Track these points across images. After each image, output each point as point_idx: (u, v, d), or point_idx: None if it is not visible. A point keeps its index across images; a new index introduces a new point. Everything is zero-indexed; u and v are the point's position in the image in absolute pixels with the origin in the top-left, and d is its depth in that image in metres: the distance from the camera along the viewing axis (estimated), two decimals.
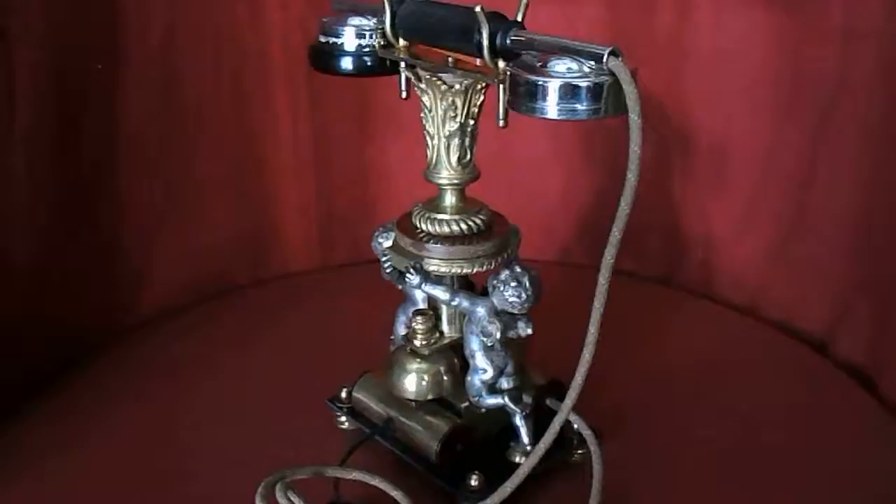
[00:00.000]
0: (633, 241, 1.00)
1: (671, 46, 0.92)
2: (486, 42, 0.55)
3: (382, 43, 0.64)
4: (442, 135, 0.64)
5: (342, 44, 0.65)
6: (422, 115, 0.65)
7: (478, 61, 0.59)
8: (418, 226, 0.66)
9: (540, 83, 0.51)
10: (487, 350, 0.64)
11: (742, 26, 0.88)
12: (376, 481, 0.63)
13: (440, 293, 0.65)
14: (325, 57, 0.66)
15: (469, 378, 0.65)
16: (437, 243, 0.64)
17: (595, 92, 0.51)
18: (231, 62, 0.94)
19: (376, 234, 0.69)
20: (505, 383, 0.66)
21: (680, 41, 0.91)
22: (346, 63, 0.65)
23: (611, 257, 0.54)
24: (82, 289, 0.87)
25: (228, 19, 0.92)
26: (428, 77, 0.62)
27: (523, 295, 0.62)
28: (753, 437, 0.73)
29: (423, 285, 0.64)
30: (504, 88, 0.56)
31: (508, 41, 0.55)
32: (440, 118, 0.63)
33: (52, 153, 0.82)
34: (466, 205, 0.66)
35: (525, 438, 0.66)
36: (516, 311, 0.63)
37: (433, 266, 0.64)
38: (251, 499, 0.62)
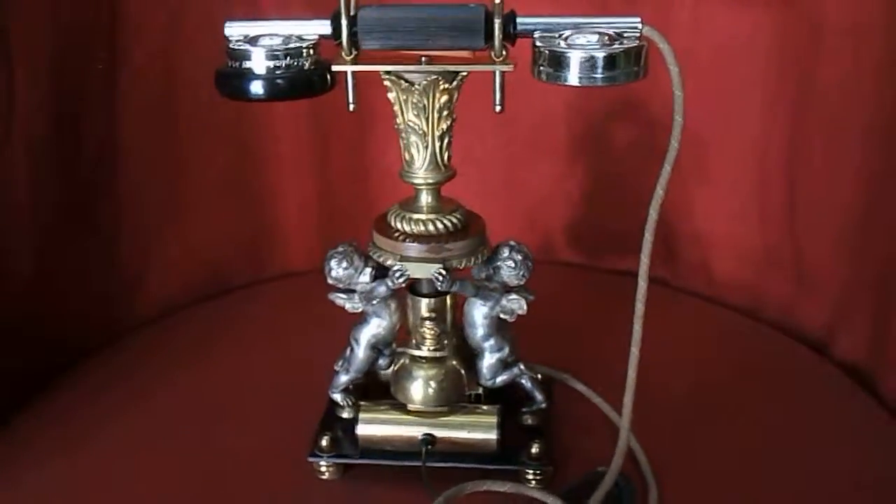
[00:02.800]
0: (633, 241, 1.01)
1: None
2: (499, 32, 0.58)
3: (318, 59, 0.60)
4: (436, 134, 0.64)
5: (280, 66, 0.59)
6: (401, 119, 0.64)
7: (465, 53, 0.61)
8: (395, 226, 0.66)
9: (598, 55, 0.56)
10: (499, 330, 0.68)
11: (734, 24, 0.88)
12: (507, 487, 0.65)
13: (468, 289, 0.66)
14: (235, 82, 0.60)
15: (483, 362, 0.69)
16: (412, 242, 0.65)
17: (636, 55, 0.58)
18: None
19: (334, 262, 0.66)
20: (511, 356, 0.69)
21: (666, 37, 0.91)
22: (262, 88, 0.59)
23: (647, 252, 0.61)
24: (82, 289, 0.87)
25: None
26: (431, 77, 0.62)
27: (529, 264, 0.66)
28: (753, 437, 0.73)
29: (452, 286, 0.65)
30: (502, 74, 0.61)
31: (519, 27, 0.59)
32: (435, 118, 0.64)
33: (52, 153, 0.82)
34: (442, 204, 0.67)
35: (539, 396, 0.71)
36: (522, 283, 0.67)
37: (409, 265, 0.65)
38: (248, 490, 0.62)
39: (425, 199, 0.67)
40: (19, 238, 0.80)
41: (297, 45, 0.59)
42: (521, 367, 0.70)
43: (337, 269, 0.67)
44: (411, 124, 0.64)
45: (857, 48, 0.80)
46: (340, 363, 0.71)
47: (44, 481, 0.69)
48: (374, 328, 0.68)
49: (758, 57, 0.87)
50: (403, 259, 0.65)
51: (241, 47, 0.59)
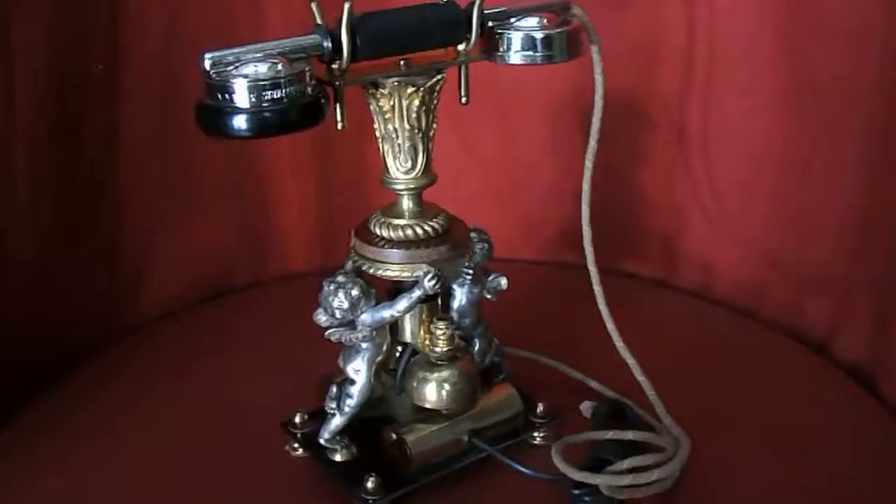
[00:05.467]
0: (633, 242, 1.01)
1: (658, 42, 0.92)
2: (477, 24, 0.61)
3: (314, 82, 0.56)
4: (430, 135, 0.64)
5: (284, 96, 0.53)
6: (398, 126, 0.63)
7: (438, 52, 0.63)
8: (376, 232, 0.65)
9: (552, 34, 0.63)
10: (482, 313, 0.70)
11: (734, 24, 0.88)
12: (631, 435, 0.67)
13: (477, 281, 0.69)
14: (223, 117, 0.53)
15: (476, 347, 0.71)
16: (393, 248, 0.64)
17: (578, 35, 0.65)
18: None
19: (342, 293, 0.62)
20: None
21: (664, 38, 0.91)
22: (268, 122, 0.53)
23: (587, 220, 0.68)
24: (83, 289, 0.87)
25: (228, 19, 0.92)
26: (436, 77, 0.62)
27: (492, 242, 0.70)
28: (752, 437, 0.72)
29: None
30: (468, 67, 0.65)
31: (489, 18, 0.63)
32: (430, 119, 0.63)
33: (52, 153, 0.82)
34: (424, 209, 0.66)
35: (506, 364, 0.75)
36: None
37: (391, 272, 0.64)
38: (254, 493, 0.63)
39: (407, 203, 0.66)
40: (20, 238, 0.80)
41: (298, 68, 0.54)
42: (497, 341, 0.73)
43: (346, 299, 0.62)
44: (412, 128, 0.63)
45: (857, 48, 0.80)
46: (333, 405, 0.66)
47: (44, 482, 0.69)
48: (373, 352, 0.65)
49: (758, 57, 0.87)
50: (437, 263, 0.64)
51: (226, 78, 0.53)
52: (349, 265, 0.66)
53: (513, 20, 0.63)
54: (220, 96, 0.53)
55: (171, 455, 0.72)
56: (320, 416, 0.68)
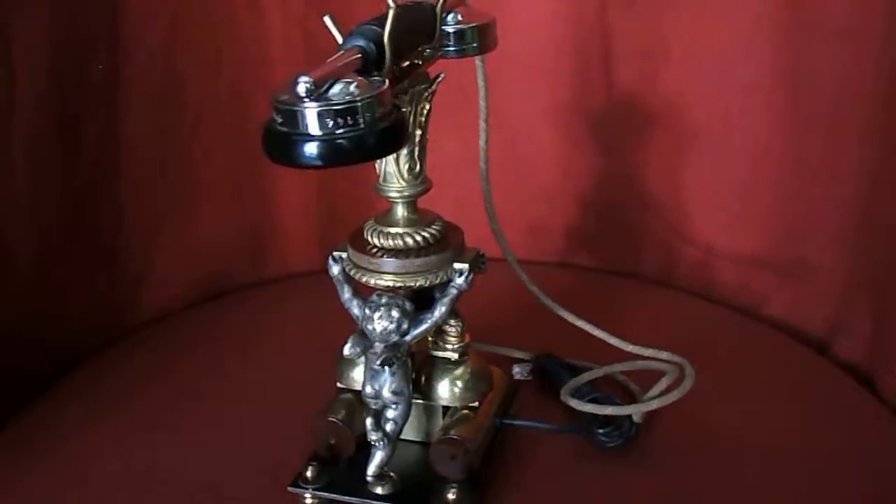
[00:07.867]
0: (634, 242, 1.01)
1: (659, 43, 0.92)
2: (440, 24, 0.62)
3: (391, 103, 0.52)
4: (427, 138, 0.64)
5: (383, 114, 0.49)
6: (409, 131, 0.62)
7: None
8: (370, 241, 0.64)
9: (465, 29, 0.65)
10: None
11: (734, 24, 0.88)
12: (639, 363, 0.74)
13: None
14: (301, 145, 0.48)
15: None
16: (388, 257, 0.62)
17: (489, 29, 0.66)
18: (231, 62, 0.94)
19: (396, 311, 0.61)
20: None
21: (666, 37, 0.92)
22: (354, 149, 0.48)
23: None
24: (83, 289, 0.87)
25: (228, 19, 0.92)
26: (441, 78, 0.62)
27: None
28: (753, 437, 0.73)
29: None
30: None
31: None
32: (426, 123, 0.63)
33: (53, 153, 0.82)
34: (419, 217, 0.65)
35: None
36: None
37: (386, 280, 0.62)
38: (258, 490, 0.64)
39: (401, 211, 0.65)
40: (19, 238, 0.80)
41: (377, 88, 0.50)
42: None
43: (405, 316, 0.61)
44: (422, 132, 0.63)
45: (857, 48, 0.80)
46: (376, 437, 0.62)
47: (44, 483, 0.69)
48: (405, 368, 0.62)
49: (758, 56, 0.87)
50: (428, 271, 0.63)
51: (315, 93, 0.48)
52: (348, 292, 0.65)
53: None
54: (290, 121, 0.48)
55: (172, 457, 0.72)
56: (327, 462, 0.66)
